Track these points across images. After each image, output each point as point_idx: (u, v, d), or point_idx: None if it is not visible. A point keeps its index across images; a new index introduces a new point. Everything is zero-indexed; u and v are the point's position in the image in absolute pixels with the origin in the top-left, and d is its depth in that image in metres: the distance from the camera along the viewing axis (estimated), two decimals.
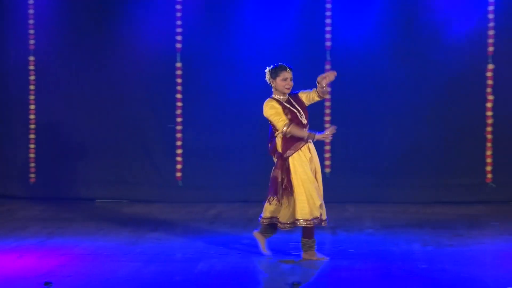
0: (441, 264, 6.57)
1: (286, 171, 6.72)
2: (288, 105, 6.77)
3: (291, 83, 6.78)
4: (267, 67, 6.90)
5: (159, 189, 10.31)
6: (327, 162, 10.10)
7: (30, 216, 9.30)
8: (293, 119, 6.72)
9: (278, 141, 6.76)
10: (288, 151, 6.70)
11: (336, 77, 10.07)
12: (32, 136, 10.47)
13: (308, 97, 6.88)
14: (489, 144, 9.97)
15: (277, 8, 10.09)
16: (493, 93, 9.92)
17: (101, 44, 10.27)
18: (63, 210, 9.63)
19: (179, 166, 10.30)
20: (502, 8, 9.83)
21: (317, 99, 6.90)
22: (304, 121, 6.77)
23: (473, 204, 9.80)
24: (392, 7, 9.98)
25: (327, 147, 10.11)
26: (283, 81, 6.75)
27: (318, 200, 6.69)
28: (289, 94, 6.83)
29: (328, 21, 10.06)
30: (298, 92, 6.90)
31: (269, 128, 6.94)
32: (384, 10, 9.99)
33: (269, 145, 6.90)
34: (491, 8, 9.83)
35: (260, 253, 7.01)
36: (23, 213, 9.51)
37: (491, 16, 9.84)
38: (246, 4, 10.12)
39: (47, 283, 5.85)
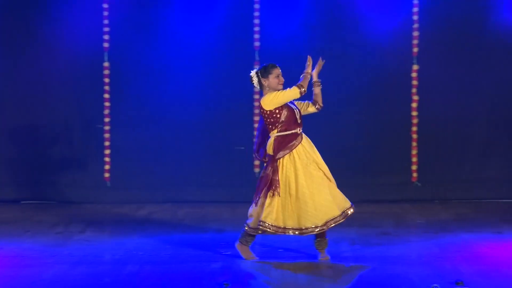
0: (368, 262, 6.66)
1: (275, 172, 6.63)
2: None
3: (283, 79, 6.76)
4: (251, 71, 6.82)
5: (87, 190, 10.19)
6: (257, 162, 10.13)
7: None
8: (290, 116, 6.68)
9: (271, 141, 6.70)
10: (280, 152, 6.65)
11: None
12: None
13: (301, 105, 6.87)
14: (414, 144, 10.15)
15: (205, 8, 10.07)
16: (418, 93, 10.10)
17: (26, 43, 10.06)
18: None
19: (107, 167, 10.20)
20: (426, 9, 10.01)
21: (310, 110, 6.90)
22: (299, 120, 6.76)
23: (400, 202, 9.97)
24: (318, 7, 10.07)
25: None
26: (276, 78, 6.74)
27: (285, 212, 6.63)
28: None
29: (256, 21, 10.09)
30: None
31: (257, 133, 6.87)
32: (310, 11, 10.06)
33: (255, 153, 6.82)
34: (415, 9, 10.01)
35: (189, 254, 7.00)
36: None
37: (415, 17, 10.02)
38: (173, 4, 10.08)
39: None
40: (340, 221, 6.74)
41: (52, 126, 10.17)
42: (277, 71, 6.77)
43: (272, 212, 6.61)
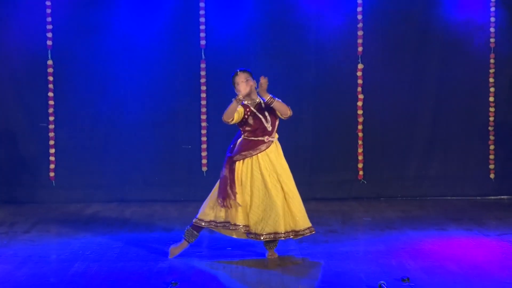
0: (316, 260, 6.71)
1: (232, 173, 6.65)
2: (254, 110, 6.73)
3: (245, 84, 6.69)
4: None
5: (32, 190, 10.05)
6: (204, 161, 10.13)
7: None
8: (257, 124, 6.70)
9: (238, 142, 6.76)
10: (238, 154, 6.67)
11: (212, 76, 10.21)
12: None
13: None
14: (360, 142, 10.25)
15: (150, 7, 10.02)
16: (363, 92, 10.20)
17: None
18: None
19: (52, 166, 10.08)
20: (370, 8, 10.11)
21: (282, 117, 6.83)
22: (269, 128, 6.73)
23: (346, 200, 10.06)
24: (264, 7, 10.09)
25: (204, 146, 10.13)
26: (238, 85, 6.74)
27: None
28: (263, 100, 6.74)
29: (202, 19, 10.08)
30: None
31: (237, 133, 6.91)
32: (256, 10, 10.09)
33: (231, 146, 6.84)
34: (359, 9, 10.10)
35: (136, 253, 6.97)
36: None
37: (360, 16, 10.11)
38: (118, 2, 10.00)
39: None
40: (287, 238, 6.72)
41: None
42: (237, 78, 6.76)
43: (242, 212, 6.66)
